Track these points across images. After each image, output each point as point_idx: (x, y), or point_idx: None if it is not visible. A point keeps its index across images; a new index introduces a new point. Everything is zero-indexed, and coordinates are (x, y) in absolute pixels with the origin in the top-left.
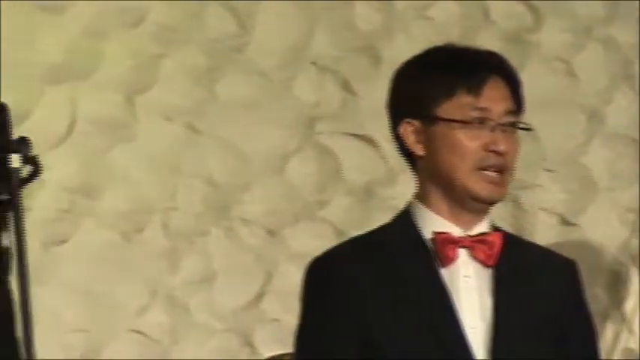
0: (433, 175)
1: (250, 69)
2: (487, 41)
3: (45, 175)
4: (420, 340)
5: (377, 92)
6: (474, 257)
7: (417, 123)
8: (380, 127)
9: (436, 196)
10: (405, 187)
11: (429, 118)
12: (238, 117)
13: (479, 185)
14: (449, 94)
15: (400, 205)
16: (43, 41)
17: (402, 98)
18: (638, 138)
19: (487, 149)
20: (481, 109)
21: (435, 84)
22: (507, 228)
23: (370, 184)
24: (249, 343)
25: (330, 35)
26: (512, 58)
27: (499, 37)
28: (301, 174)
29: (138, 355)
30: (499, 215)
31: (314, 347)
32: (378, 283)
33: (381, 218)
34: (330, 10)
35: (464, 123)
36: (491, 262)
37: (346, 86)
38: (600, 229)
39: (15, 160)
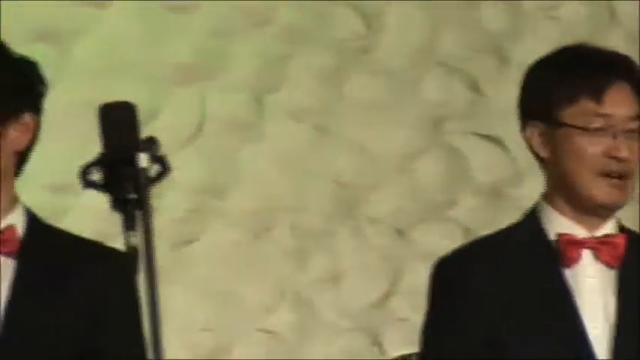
0: (557, 178)
1: (378, 69)
2: (613, 42)
3: (173, 175)
4: (544, 341)
5: (504, 92)
6: (599, 258)
7: (542, 125)
8: (508, 127)
9: (560, 198)
10: (532, 187)
11: (552, 122)
12: (366, 117)
13: (601, 191)
14: (571, 99)
15: (527, 205)
16: (172, 41)
17: (529, 100)
18: None
19: (609, 155)
20: (604, 116)
21: (559, 88)
22: (636, 228)
23: (498, 184)
24: (377, 343)
25: (457, 35)
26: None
27: (625, 37)
28: (429, 174)
29: (266, 354)
30: (626, 217)
31: (439, 347)
32: (504, 283)
33: (509, 218)
34: (456, 10)
35: (585, 130)
36: (615, 264)
37: (473, 86)
38: None
39: (143, 159)
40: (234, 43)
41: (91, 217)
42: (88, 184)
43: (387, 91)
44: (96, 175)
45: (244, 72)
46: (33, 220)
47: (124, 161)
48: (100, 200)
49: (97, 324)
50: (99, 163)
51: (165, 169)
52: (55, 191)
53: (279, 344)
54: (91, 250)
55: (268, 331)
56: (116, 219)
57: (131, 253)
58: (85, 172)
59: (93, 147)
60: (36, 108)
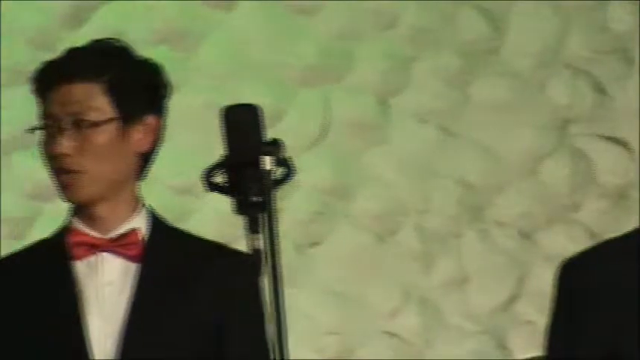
0: None
1: (504, 71)
2: None
3: (298, 177)
4: None
5: (630, 94)
6: None
7: None
8: (633, 129)
9: None
10: None
11: None
12: (491, 119)
13: None
14: None
15: None
16: (297, 43)
17: None
18: None
19: None
20: None
21: None
22: None
23: (623, 186)
24: (503, 346)
25: (583, 37)
26: None
27: None
28: (555, 176)
29: (391, 357)
30: None
31: (563, 351)
32: (627, 288)
33: (635, 221)
34: (582, 11)
35: None
36: None
37: (599, 88)
38: None
39: (267, 162)
40: (360, 45)
41: (215, 219)
42: (212, 186)
43: (513, 92)
44: (219, 178)
45: (369, 74)
46: (157, 223)
47: (247, 164)
48: (224, 203)
49: (221, 326)
50: (222, 165)
51: (289, 172)
52: (179, 194)
53: (404, 347)
54: (215, 252)
55: (393, 334)
56: (239, 221)
57: (255, 255)
58: (208, 175)
59: (217, 150)
60: (159, 110)
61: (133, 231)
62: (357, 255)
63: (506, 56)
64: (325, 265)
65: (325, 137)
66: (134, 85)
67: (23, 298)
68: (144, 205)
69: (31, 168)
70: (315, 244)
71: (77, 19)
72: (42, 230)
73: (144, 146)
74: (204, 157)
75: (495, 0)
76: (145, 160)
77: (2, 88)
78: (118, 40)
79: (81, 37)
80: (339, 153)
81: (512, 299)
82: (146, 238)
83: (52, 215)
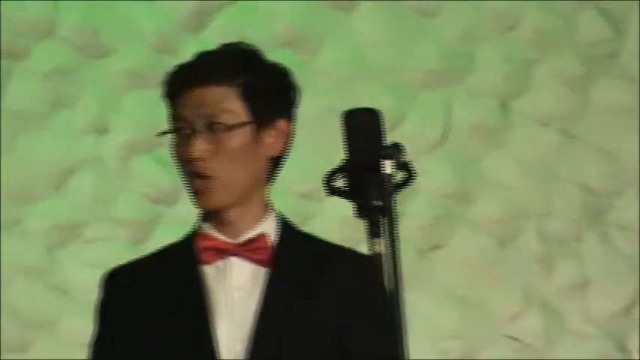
0: None
1: (624, 74)
2: None
3: (419, 181)
4: None
5: None
6: None
7: None
8: None
9: None
10: None
11: None
12: (612, 123)
13: None
14: None
15: None
16: (419, 46)
17: None
18: None
19: None
20: None
21: None
22: None
23: None
24: (624, 349)
25: None
26: None
27: None
28: None
29: None
30: None
31: None
32: None
33: None
34: None
35: None
36: None
37: None
38: None
39: (388, 166)
40: (481, 48)
41: (336, 223)
42: (333, 191)
43: (634, 96)
44: (340, 182)
45: (491, 77)
46: (285, 227)
47: (368, 168)
48: (345, 207)
49: (347, 329)
50: (343, 169)
51: (410, 176)
52: (301, 198)
53: (525, 351)
54: (341, 255)
55: (515, 338)
56: (360, 225)
57: (378, 258)
58: (329, 179)
59: (338, 153)
60: (290, 114)
61: (262, 236)
62: (477, 259)
63: (627, 59)
64: (446, 269)
65: (446, 141)
66: (267, 89)
67: (154, 301)
68: (273, 209)
69: (151, 172)
70: (436, 248)
71: (198, 23)
72: (163, 234)
73: (275, 151)
74: (325, 161)
75: (616, 0)
76: (276, 164)
77: (123, 92)
78: (248, 44)
79: (202, 41)
80: (460, 156)
81: (633, 303)
82: (275, 242)
83: (172, 219)
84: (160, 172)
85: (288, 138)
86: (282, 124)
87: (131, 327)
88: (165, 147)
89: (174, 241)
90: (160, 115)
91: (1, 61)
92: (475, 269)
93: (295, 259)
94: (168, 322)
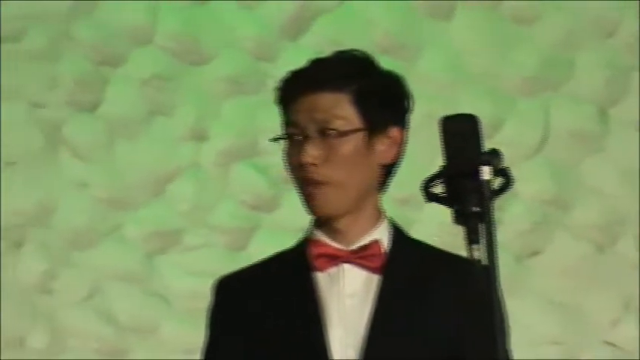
0: None
1: None
2: None
3: (517, 187)
4: None
5: None
6: None
7: None
8: None
9: None
10: None
11: None
12: None
13: None
14: None
15: None
16: (517, 53)
17: None
18: None
19: None
20: None
21: None
22: None
23: None
24: None
25: None
26: None
27: None
28: None
29: None
30: None
31: None
32: None
33: None
34: None
35: None
36: None
37: None
38: None
39: (486, 172)
40: (580, 54)
41: (435, 229)
42: (431, 197)
43: None
44: (439, 188)
45: (590, 83)
46: (397, 235)
47: (466, 174)
48: (443, 213)
49: (461, 336)
50: (441, 175)
51: (508, 182)
52: (400, 204)
53: (624, 357)
54: (453, 261)
55: (613, 344)
56: (459, 232)
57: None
58: (427, 186)
59: (436, 160)
60: (403, 122)
61: (375, 242)
62: (576, 265)
63: None
64: (545, 275)
65: (544, 147)
66: (380, 96)
67: (266, 308)
68: (385, 216)
69: (250, 178)
70: (534, 254)
71: (296, 30)
72: (261, 241)
73: (387, 158)
74: (424, 168)
75: None
76: (388, 172)
77: (222, 99)
78: (362, 52)
79: (300, 48)
80: (558, 163)
81: None
82: (387, 249)
83: (271, 226)
84: (258, 178)
85: (400, 146)
86: (394, 131)
87: (243, 333)
88: (264, 154)
89: (285, 248)
90: (259, 121)
91: (100, 67)
92: (573, 275)
93: (408, 265)
94: (280, 328)
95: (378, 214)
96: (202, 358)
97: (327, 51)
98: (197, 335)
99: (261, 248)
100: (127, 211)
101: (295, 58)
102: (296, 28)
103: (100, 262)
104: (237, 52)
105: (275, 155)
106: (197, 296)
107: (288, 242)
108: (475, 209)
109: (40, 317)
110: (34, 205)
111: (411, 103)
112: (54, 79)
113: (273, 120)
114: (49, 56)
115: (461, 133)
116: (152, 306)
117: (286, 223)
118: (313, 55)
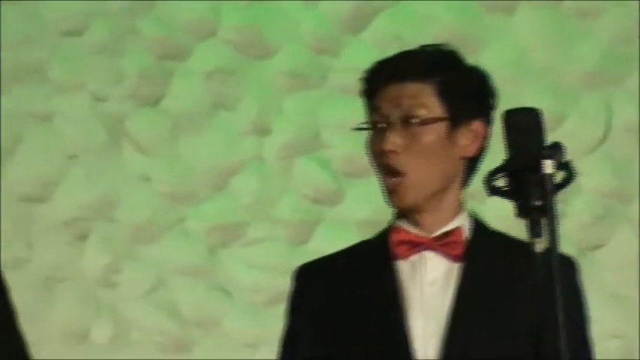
0: None
1: None
2: None
3: (579, 181)
4: None
5: None
6: None
7: None
8: None
9: None
10: None
11: None
12: None
13: None
14: None
15: None
16: (579, 47)
17: None
18: None
19: None
20: None
21: None
22: None
23: None
24: None
25: None
26: None
27: None
28: None
29: None
30: None
31: None
32: None
33: None
34: None
35: None
36: None
37: None
38: None
39: (548, 165)
40: None
41: (497, 223)
42: (494, 190)
43: None
44: (501, 182)
45: None
46: (478, 224)
47: (529, 167)
48: (506, 206)
49: (541, 325)
50: (504, 169)
51: (571, 175)
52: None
53: None
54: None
55: None
56: (521, 225)
57: (570, 256)
58: (490, 179)
59: (499, 153)
60: (487, 117)
61: (457, 229)
62: (638, 258)
63: None
64: (607, 268)
65: (606, 141)
66: (464, 89)
67: (347, 296)
68: (466, 210)
69: (312, 172)
70: (596, 247)
71: (357, 25)
72: (323, 235)
73: (469, 152)
74: (487, 161)
75: None
76: (471, 167)
77: (285, 93)
78: (448, 45)
79: (361, 43)
80: (620, 156)
81: None
82: (469, 237)
83: (333, 220)
84: (320, 172)
85: (484, 140)
86: (477, 125)
87: (324, 321)
88: (326, 148)
89: (367, 238)
90: (321, 115)
91: (163, 61)
92: (636, 268)
93: (488, 254)
94: (361, 316)
95: (459, 208)
96: (281, 344)
97: (388, 46)
98: (260, 329)
99: (324, 242)
100: (190, 204)
101: (357, 52)
102: (357, 23)
103: (163, 255)
104: (300, 47)
105: (337, 149)
106: (259, 290)
107: (351, 236)
108: (537, 203)
109: (104, 311)
110: (97, 199)
111: (495, 100)
112: (117, 73)
113: (335, 114)
114: (113, 50)
115: (524, 127)
116: (215, 300)
117: (348, 217)
118: (374, 50)
